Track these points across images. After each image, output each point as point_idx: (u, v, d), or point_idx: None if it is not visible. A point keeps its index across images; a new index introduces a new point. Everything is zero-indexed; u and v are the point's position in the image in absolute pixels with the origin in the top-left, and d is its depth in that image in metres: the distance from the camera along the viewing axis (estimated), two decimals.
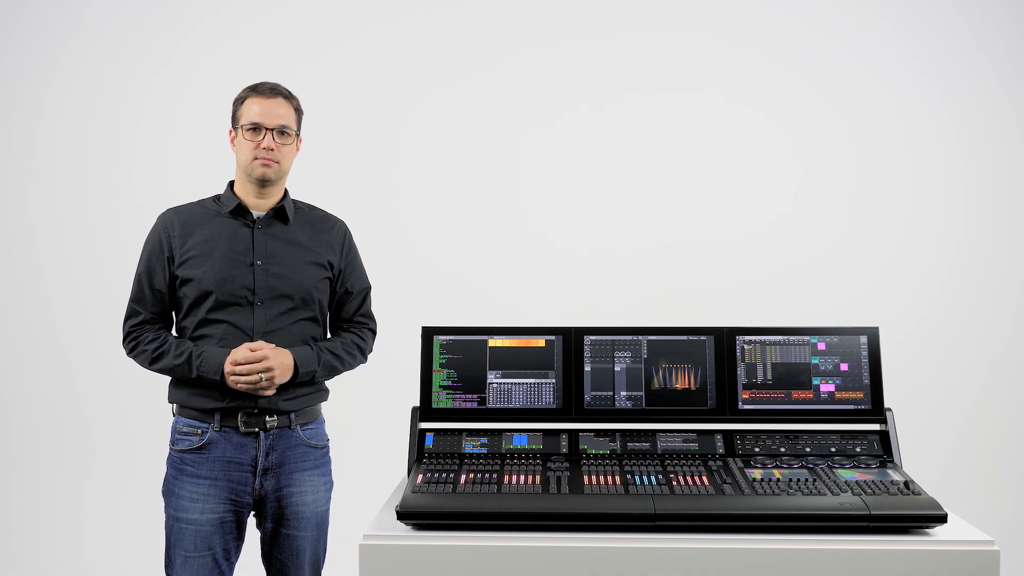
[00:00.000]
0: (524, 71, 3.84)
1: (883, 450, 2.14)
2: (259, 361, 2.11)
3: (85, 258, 3.82)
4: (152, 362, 2.21)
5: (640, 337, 2.24)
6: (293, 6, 3.85)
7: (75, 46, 3.85)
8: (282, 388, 2.19)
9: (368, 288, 2.42)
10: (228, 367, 2.12)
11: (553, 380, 2.22)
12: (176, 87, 3.83)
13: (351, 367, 2.35)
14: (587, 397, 2.21)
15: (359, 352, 2.36)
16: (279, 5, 3.85)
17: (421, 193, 3.84)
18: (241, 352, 2.12)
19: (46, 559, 3.74)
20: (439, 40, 3.84)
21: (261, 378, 2.11)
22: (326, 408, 2.37)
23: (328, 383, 2.36)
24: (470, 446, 2.16)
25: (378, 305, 2.46)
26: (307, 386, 2.26)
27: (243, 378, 2.11)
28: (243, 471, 2.18)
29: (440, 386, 2.22)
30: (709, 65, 3.83)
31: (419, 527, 1.85)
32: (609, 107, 3.85)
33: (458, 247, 3.82)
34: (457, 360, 2.23)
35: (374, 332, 2.44)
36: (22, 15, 3.85)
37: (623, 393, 2.21)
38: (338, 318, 2.39)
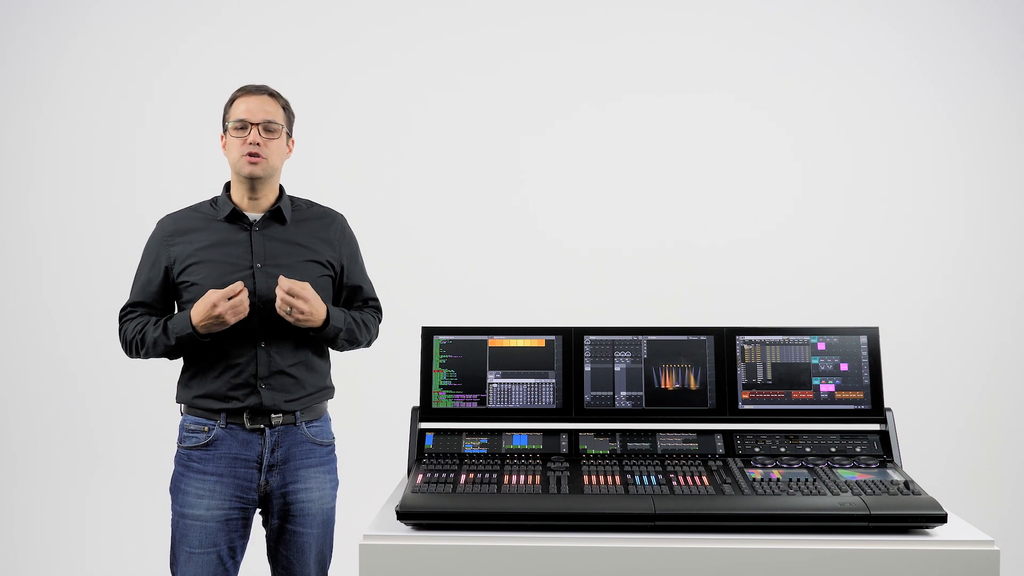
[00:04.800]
0: (526, 72, 3.84)
1: (883, 450, 2.15)
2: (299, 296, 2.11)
3: (86, 258, 3.81)
4: (140, 345, 2.20)
5: (640, 337, 2.24)
6: (295, 6, 3.84)
7: (75, 46, 3.84)
8: (286, 389, 2.19)
9: (370, 282, 2.43)
10: (217, 297, 2.08)
11: (553, 380, 2.22)
12: (177, 87, 3.83)
13: (364, 342, 2.34)
14: (587, 397, 2.21)
15: (371, 330, 2.36)
16: (281, 5, 3.85)
17: (422, 193, 3.84)
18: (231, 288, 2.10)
19: (48, 558, 3.74)
20: (441, 40, 3.84)
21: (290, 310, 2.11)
22: (330, 407, 2.37)
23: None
24: (470, 446, 2.16)
25: None
26: (311, 384, 2.25)
27: (233, 301, 2.09)
28: (249, 467, 2.18)
29: (440, 386, 2.22)
30: (710, 66, 3.82)
31: (419, 527, 1.85)
32: (610, 107, 3.85)
33: (459, 247, 3.82)
34: (457, 360, 2.23)
35: (380, 320, 2.44)
36: (23, 15, 3.84)
37: (623, 393, 2.21)
38: (349, 308, 2.38)
